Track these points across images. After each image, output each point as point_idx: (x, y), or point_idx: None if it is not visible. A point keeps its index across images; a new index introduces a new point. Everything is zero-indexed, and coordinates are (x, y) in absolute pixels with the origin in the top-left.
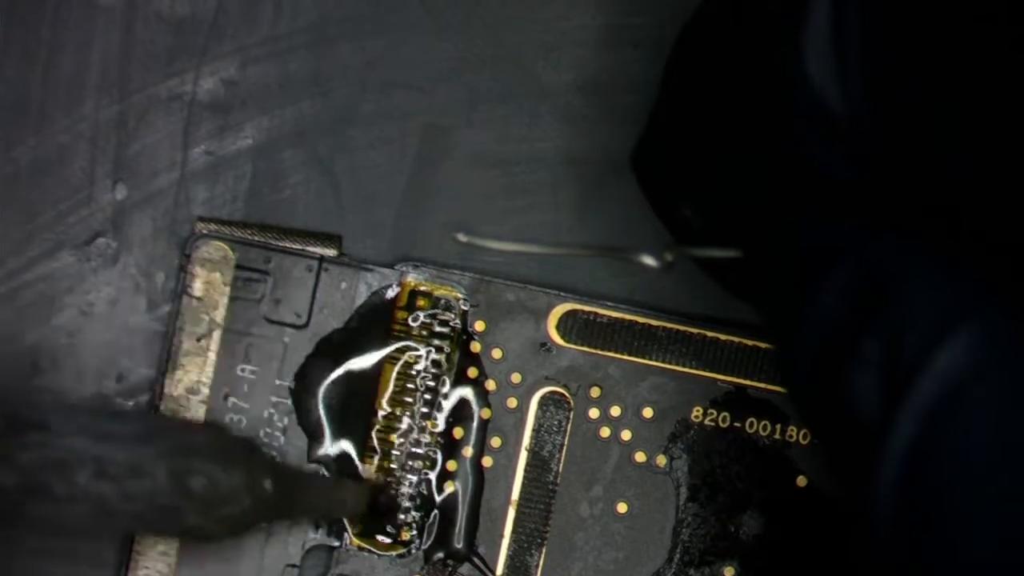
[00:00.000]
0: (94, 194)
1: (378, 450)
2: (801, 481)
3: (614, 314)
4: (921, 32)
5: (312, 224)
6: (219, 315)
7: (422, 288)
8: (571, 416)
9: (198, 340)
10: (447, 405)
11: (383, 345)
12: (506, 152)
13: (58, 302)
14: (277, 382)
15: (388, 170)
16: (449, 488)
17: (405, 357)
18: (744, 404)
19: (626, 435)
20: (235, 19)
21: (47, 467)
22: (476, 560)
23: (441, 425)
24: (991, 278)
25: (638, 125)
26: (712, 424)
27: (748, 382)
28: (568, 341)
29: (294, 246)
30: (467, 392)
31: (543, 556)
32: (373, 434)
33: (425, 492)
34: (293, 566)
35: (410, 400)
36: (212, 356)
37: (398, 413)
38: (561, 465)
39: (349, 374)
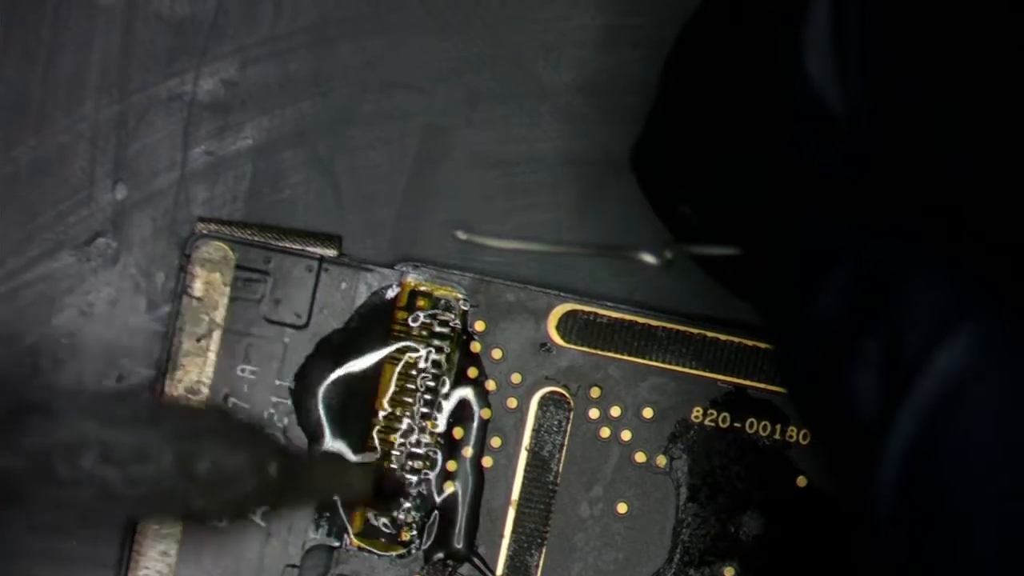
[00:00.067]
0: (94, 194)
1: (378, 450)
2: (801, 481)
3: (614, 314)
4: (921, 32)
5: (312, 224)
6: (219, 315)
7: (422, 288)
8: (571, 416)
9: (198, 340)
10: (447, 405)
11: (383, 345)
12: (506, 152)
13: (58, 302)
14: (277, 382)
15: (388, 170)
16: (449, 488)
17: (405, 357)
18: (744, 404)
19: (626, 435)
20: (235, 19)
21: (51, 451)
22: (476, 560)
23: (441, 425)
24: (991, 278)
25: (638, 125)
26: (712, 424)
27: (748, 382)
28: (568, 341)
29: (294, 246)
30: (467, 392)
31: (543, 556)
32: (373, 434)
33: (425, 492)
34: (293, 566)
35: (410, 400)
36: (212, 356)
37: (398, 413)
38: (561, 465)
39: (349, 374)
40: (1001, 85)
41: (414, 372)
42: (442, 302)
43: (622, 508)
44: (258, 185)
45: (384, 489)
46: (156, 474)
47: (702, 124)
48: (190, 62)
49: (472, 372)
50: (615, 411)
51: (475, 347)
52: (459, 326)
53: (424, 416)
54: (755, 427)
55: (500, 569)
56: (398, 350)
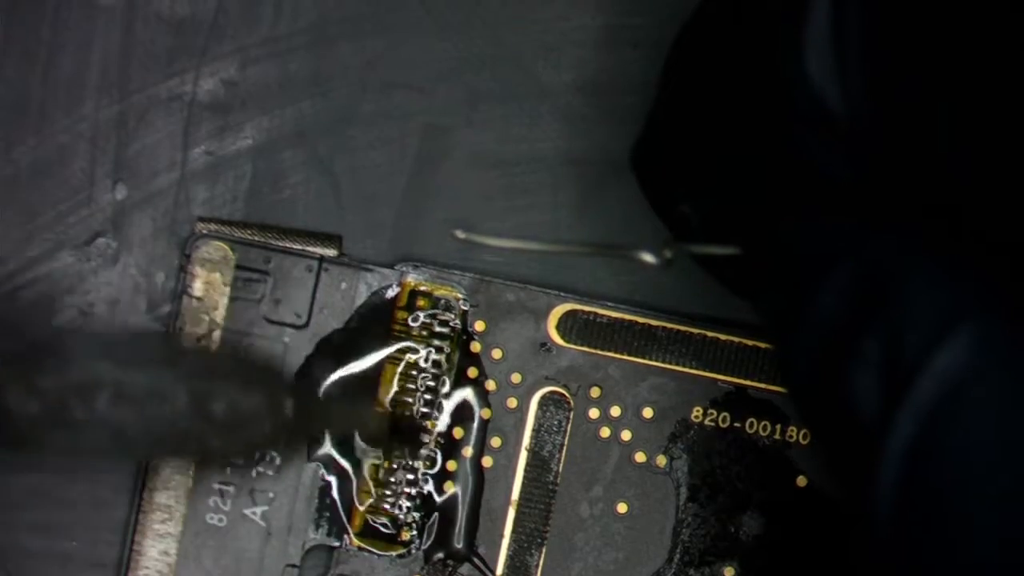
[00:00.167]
0: (94, 194)
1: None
2: (801, 481)
3: (614, 314)
4: (921, 31)
5: (312, 224)
6: (219, 315)
7: (422, 288)
8: (571, 416)
9: (198, 340)
10: (447, 405)
11: (383, 345)
12: (506, 152)
13: (58, 302)
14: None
15: (388, 170)
16: (449, 488)
17: (405, 358)
18: (744, 404)
19: (626, 435)
20: (235, 19)
21: (67, 392)
22: (476, 560)
23: (441, 425)
24: (991, 278)
25: (638, 125)
26: (712, 424)
27: (748, 382)
28: (568, 341)
29: (294, 246)
30: (467, 392)
31: (543, 556)
32: None
33: (425, 492)
34: (293, 566)
35: (410, 400)
36: None
37: (398, 413)
38: (561, 465)
39: (349, 374)
40: (1001, 85)
41: (414, 372)
42: (442, 302)
43: (622, 508)
44: (258, 185)
45: (401, 431)
46: (171, 414)
47: (702, 124)
48: (190, 62)
49: (472, 372)
50: (615, 411)
51: (475, 347)
52: (459, 326)
53: (424, 416)
54: (755, 427)
55: (500, 569)
56: (398, 350)
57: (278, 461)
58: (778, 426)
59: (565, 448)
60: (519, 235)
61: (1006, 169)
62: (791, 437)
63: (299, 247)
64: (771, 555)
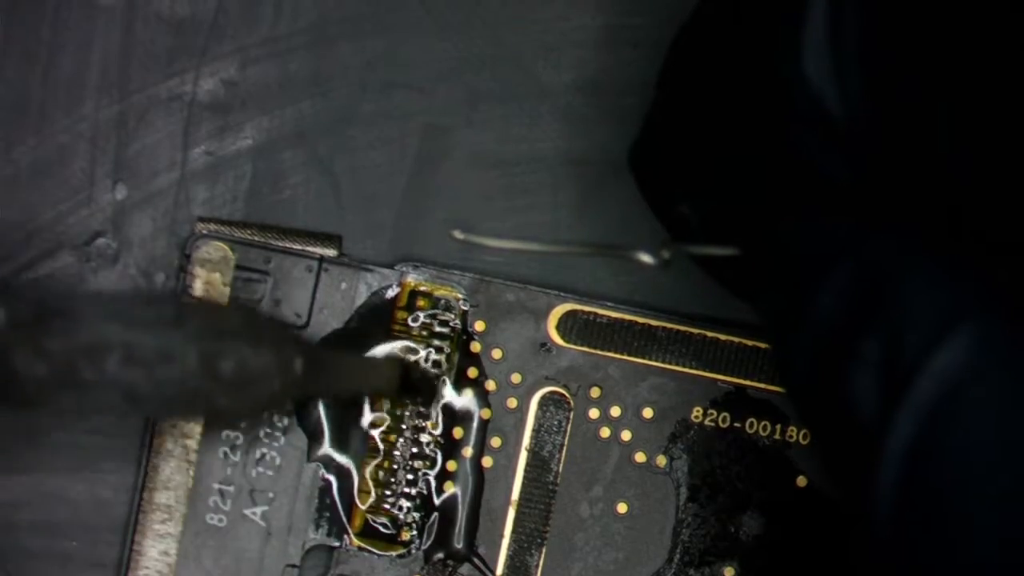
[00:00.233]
0: (94, 194)
1: (379, 450)
2: (801, 481)
3: (614, 314)
4: (920, 32)
5: (312, 224)
6: None
7: (422, 288)
8: (571, 416)
9: None
10: (447, 405)
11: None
12: (506, 152)
13: None
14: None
15: (388, 170)
16: (449, 488)
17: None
18: (744, 404)
19: (626, 435)
20: (235, 19)
21: (75, 353)
22: (476, 560)
23: (441, 425)
24: (991, 278)
25: (637, 125)
26: (712, 424)
27: (748, 382)
28: (568, 341)
29: (294, 246)
30: (467, 392)
31: (543, 556)
32: (374, 434)
33: (425, 492)
34: (293, 566)
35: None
36: None
37: (398, 413)
38: (561, 465)
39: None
40: (1001, 85)
41: (407, 413)
42: (442, 302)
43: (622, 508)
44: (258, 185)
45: (413, 382)
46: (181, 373)
47: (700, 124)
48: (190, 62)
49: (472, 372)
50: (615, 411)
51: (475, 347)
52: (459, 326)
53: (424, 416)
54: (755, 427)
55: (500, 569)
56: (399, 350)
57: (278, 461)
58: (778, 426)
59: (565, 448)
60: (519, 235)
61: (1006, 169)
62: (791, 437)
63: (299, 247)
64: (771, 555)
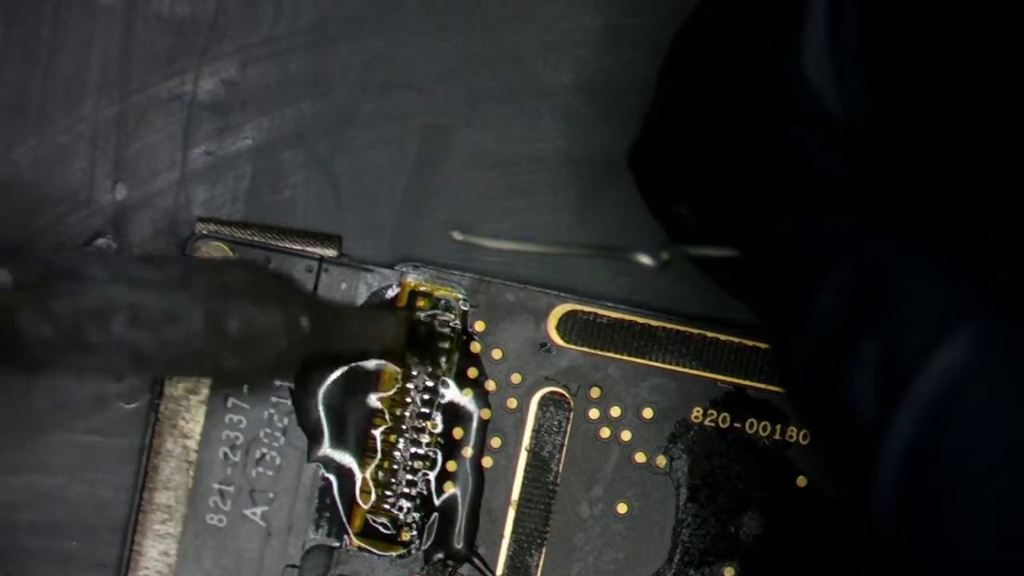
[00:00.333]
0: (94, 194)
1: (379, 450)
2: (801, 481)
3: (614, 314)
4: (919, 32)
5: (312, 224)
6: None
7: (422, 288)
8: (571, 416)
9: None
10: (447, 405)
11: None
12: (506, 152)
13: None
14: (277, 383)
15: (388, 170)
16: (449, 488)
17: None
18: (744, 404)
19: (626, 435)
20: (235, 19)
21: (81, 314)
22: (476, 560)
23: (441, 425)
24: (991, 278)
25: (637, 125)
26: (712, 424)
27: (748, 382)
28: (568, 341)
29: (294, 246)
30: (467, 392)
31: (543, 556)
32: (375, 434)
33: (425, 492)
34: (293, 566)
35: (410, 400)
36: None
37: (398, 413)
38: (561, 465)
39: (349, 374)
40: (1000, 85)
41: (414, 372)
42: (442, 302)
43: (622, 508)
44: (258, 185)
45: (418, 337)
46: (188, 333)
47: (700, 125)
48: (190, 62)
49: (472, 372)
50: (615, 411)
51: (475, 347)
52: (459, 326)
53: (424, 416)
54: (755, 427)
55: (500, 569)
56: None
57: (278, 461)
58: (778, 426)
59: (565, 448)
60: (519, 235)
61: (1006, 169)
62: (791, 437)
63: (299, 247)
64: (771, 555)
